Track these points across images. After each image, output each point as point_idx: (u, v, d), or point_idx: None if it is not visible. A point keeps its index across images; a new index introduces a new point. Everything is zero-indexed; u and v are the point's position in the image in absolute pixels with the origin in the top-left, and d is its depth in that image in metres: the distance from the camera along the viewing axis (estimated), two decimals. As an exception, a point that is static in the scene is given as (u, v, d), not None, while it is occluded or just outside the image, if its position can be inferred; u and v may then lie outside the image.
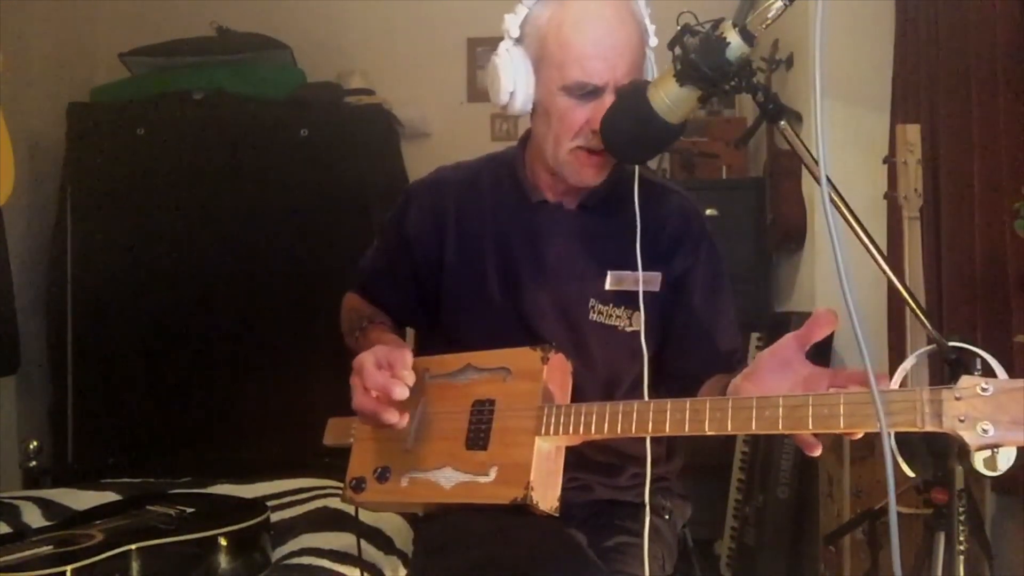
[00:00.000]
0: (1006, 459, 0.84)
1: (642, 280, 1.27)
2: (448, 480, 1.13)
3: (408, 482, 1.16)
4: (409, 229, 1.41)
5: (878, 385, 0.82)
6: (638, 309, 1.29)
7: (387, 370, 1.11)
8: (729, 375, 1.09)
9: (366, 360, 1.13)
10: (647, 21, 1.26)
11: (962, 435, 0.83)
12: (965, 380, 0.85)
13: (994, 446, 0.83)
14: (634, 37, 1.22)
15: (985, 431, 0.82)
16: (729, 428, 0.96)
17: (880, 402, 0.81)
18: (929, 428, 0.85)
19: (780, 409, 0.93)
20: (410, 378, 1.11)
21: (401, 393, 1.09)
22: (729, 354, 1.34)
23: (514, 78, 1.26)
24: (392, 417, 1.11)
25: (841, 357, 2.69)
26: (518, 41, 1.26)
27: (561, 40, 1.22)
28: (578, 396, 1.18)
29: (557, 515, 1.10)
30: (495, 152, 1.46)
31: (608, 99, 1.20)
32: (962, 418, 0.83)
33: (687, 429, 1.00)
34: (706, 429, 0.98)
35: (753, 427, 0.95)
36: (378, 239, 1.51)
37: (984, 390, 0.83)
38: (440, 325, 1.38)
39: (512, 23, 1.26)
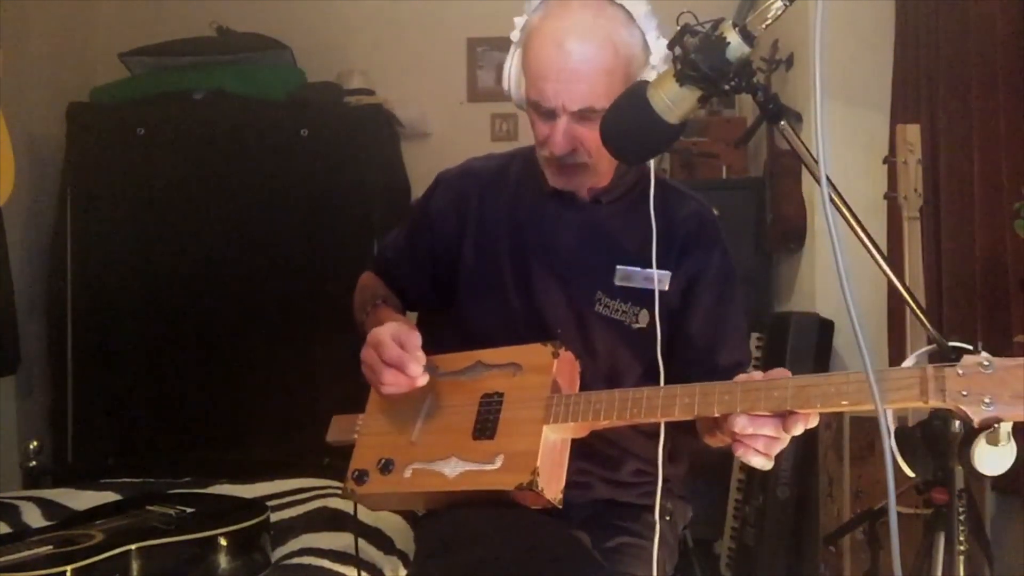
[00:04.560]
0: (1007, 435, 0.87)
1: (655, 278, 1.28)
2: (453, 469, 1.14)
3: (411, 473, 1.17)
4: (433, 212, 1.44)
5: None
6: (644, 307, 1.29)
7: (394, 368, 1.15)
8: None
9: (383, 334, 1.17)
10: (649, 37, 1.24)
11: (965, 410, 0.86)
12: (968, 358, 0.88)
13: (996, 420, 0.86)
14: (599, 63, 1.20)
15: (987, 405, 0.85)
16: (738, 409, 0.98)
17: (876, 382, 0.83)
18: (933, 403, 0.88)
19: (788, 390, 0.96)
20: (422, 358, 1.15)
21: (416, 369, 1.14)
22: (733, 368, 1.34)
23: (509, 78, 1.32)
24: (416, 368, 1.14)
25: (841, 357, 2.69)
26: (518, 45, 1.31)
27: (530, 56, 1.26)
28: (582, 389, 1.20)
29: (560, 507, 1.10)
30: (523, 146, 1.47)
31: (563, 123, 1.23)
32: (965, 392, 0.86)
33: (696, 412, 1.02)
34: (715, 412, 1.00)
35: (762, 407, 0.97)
36: (402, 222, 1.54)
37: (986, 367, 0.87)
38: (451, 312, 1.39)
39: (517, 26, 1.30)
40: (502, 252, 1.36)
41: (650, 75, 1.24)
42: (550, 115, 1.24)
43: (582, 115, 1.22)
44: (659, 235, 1.27)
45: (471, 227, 1.39)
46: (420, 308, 1.52)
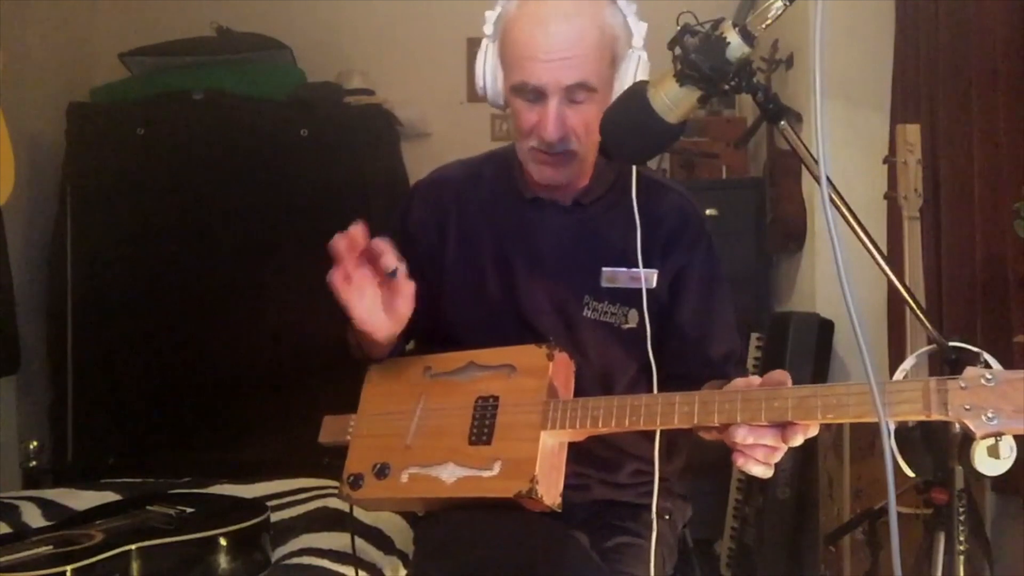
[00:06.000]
0: (1008, 448, 0.88)
1: (642, 278, 1.27)
2: (450, 475, 1.13)
3: (408, 478, 1.16)
4: (412, 227, 1.41)
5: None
6: (633, 307, 1.29)
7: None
8: (724, 381, 1.09)
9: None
10: (630, 20, 1.24)
11: (968, 423, 0.86)
12: (969, 371, 0.88)
13: (998, 434, 0.86)
14: (589, 40, 1.20)
15: (990, 419, 0.85)
16: (738, 419, 0.97)
17: (879, 392, 0.83)
18: (936, 416, 0.88)
19: (790, 400, 0.95)
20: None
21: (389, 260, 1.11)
22: (724, 358, 1.34)
23: (483, 74, 1.29)
24: (391, 260, 1.11)
25: (841, 357, 2.69)
26: (493, 38, 1.28)
27: (512, 40, 1.23)
28: (575, 392, 1.19)
29: (560, 510, 1.10)
30: (496, 149, 1.46)
31: (553, 104, 1.21)
32: (968, 407, 0.86)
33: (696, 421, 1.01)
34: (715, 421, 0.99)
35: (763, 418, 0.96)
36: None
37: (988, 380, 0.86)
38: (439, 325, 1.38)
39: (489, 20, 1.28)
40: (485, 259, 1.35)
41: (633, 57, 1.25)
42: (539, 98, 1.22)
43: (572, 94, 1.21)
44: (643, 233, 1.26)
45: (452, 236, 1.38)
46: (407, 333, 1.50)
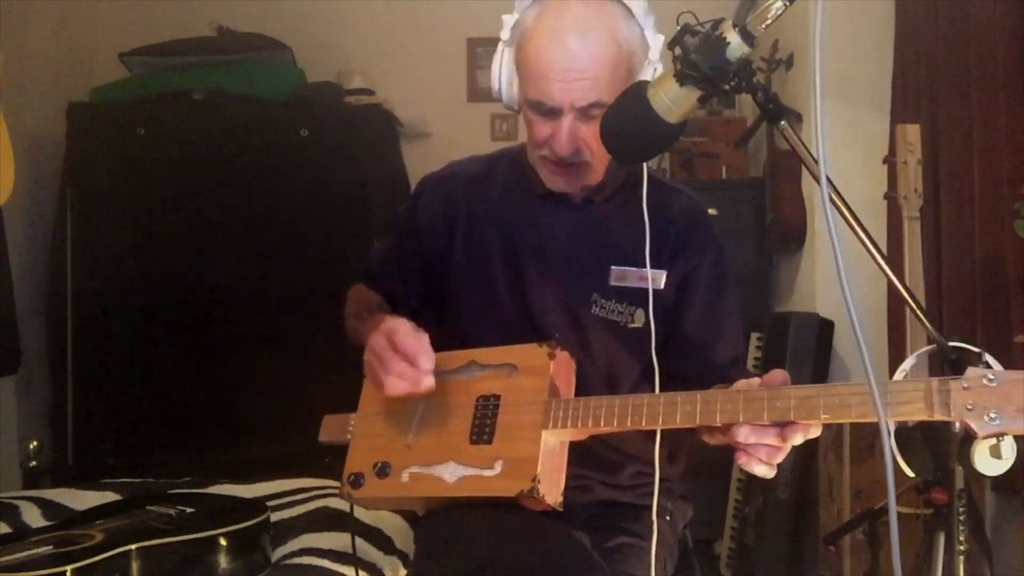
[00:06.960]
0: (1010, 448, 0.88)
1: (648, 278, 1.27)
2: (452, 475, 1.13)
3: (409, 477, 1.16)
4: (420, 220, 1.41)
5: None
6: (640, 306, 1.29)
7: (404, 359, 1.10)
8: (727, 385, 1.08)
9: (399, 323, 1.12)
10: (647, 33, 1.24)
11: (970, 423, 0.86)
12: (972, 371, 0.88)
13: (1000, 434, 0.86)
14: (605, 57, 1.19)
15: (992, 419, 0.85)
16: (741, 419, 0.97)
17: (879, 392, 0.83)
18: (939, 416, 0.88)
19: (792, 400, 0.95)
20: (433, 357, 1.10)
21: (426, 363, 1.09)
22: (729, 363, 1.34)
23: (499, 79, 1.30)
24: (427, 362, 1.09)
25: (841, 357, 2.69)
26: (509, 43, 1.29)
27: (528, 55, 1.23)
28: (580, 390, 1.19)
29: (561, 509, 1.10)
30: (508, 147, 1.47)
31: (567, 120, 1.22)
32: (970, 406, 0.86)
33: (698, 421, 1.01)
34: (717, 421, 0.99)
35: (765, 417, 0.96)
36: (388, 232, 1.51)
37: (990, 380, 0.86)
38: (444, 320, 1.38)
39: (506, 24, 1.28)
40: (493, 255, 1.35)
41: (649, 70, 1.25)
42: (553, 114, 1.23)
43: (587, 112, 1.21)
44: (652, 233, 1.26)
45: (460, 230, 1.38)
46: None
